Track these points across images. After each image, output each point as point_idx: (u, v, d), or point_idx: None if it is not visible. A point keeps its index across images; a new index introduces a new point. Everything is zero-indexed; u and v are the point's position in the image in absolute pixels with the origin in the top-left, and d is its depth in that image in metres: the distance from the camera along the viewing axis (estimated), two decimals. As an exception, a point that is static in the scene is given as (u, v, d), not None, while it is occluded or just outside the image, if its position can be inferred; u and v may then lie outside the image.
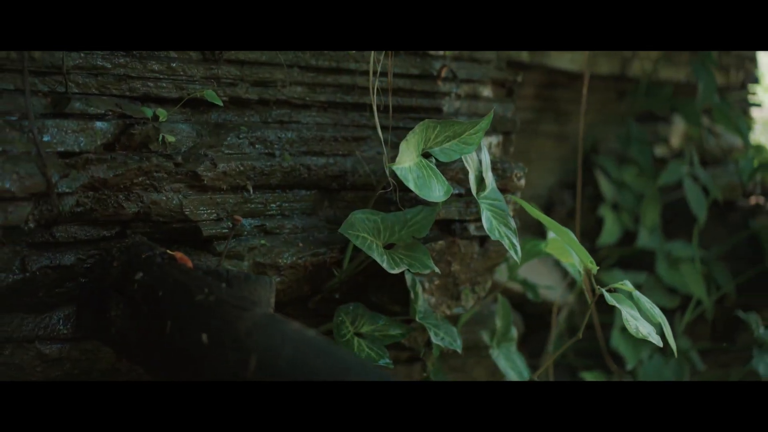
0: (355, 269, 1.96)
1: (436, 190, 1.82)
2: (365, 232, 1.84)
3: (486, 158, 1.97)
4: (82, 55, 1.69)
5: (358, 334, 1.92)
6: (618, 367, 3.08)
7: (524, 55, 2.96)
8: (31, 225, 1.59)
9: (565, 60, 3.13)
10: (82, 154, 1.64)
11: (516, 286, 2.81)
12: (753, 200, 3.48)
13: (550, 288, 2.80)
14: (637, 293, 1.89)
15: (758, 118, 4.08)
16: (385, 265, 1.83)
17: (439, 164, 1.90)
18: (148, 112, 1.73)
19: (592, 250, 3.17)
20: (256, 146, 1.90)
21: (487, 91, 2.31)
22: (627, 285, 1.89)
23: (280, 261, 1.89)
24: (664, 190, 3.40)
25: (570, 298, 3.13)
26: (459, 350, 2.02)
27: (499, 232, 1.89)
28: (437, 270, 1.92)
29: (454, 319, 2.26)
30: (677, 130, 3.69)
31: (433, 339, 1.98)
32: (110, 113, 1.69)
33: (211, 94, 1.79)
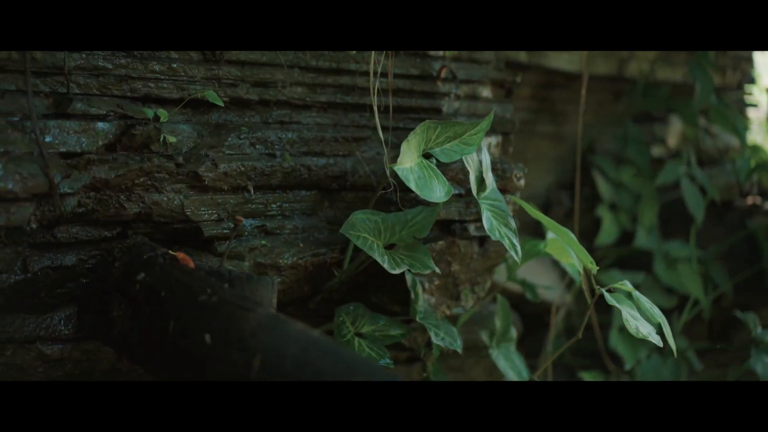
0: (356, 270, 1.97)
1: (437, 191, 1.83)
2: (366, 232, 1.84)
3: (486, 159, 1.97)
4: (83, 55, 1.69)
5: (359, 335, 1.92)
6: (616, 367, 3.08)
7: (522, 56, 2.96)
8: (33, 225, 1.59)
9: (562, 60, 3.13)
10: (83, 155, 1.64)
11: (514, 287, 2.81)
12: (750, 200, 3.49)
13: (548, 288, 2.81)
14: (636, 293, 1.89)
15: (754, 119, 4.09)
16: (386, 266, 1.83)
17: (439, 165, 1.90)
18: (149, 112, 1.73)
19: (590, 250, 3.17)
20: (257, 147, 1.90)
21: (486, 92, 2.31)
22: (627, 285, 1.90)
23: (280, 261, 1.89)
24: (661, 190, 3.41)
25: (568, 298, 3.13)
26: (459, 350, 2.02)
27: (500, 232, 1.90)
28: (438, 270, 1.93)
29: (453, 320, 2.26)
30: (674, 131, 3.70)
31: (434, 339, 1.98)
32: (112, 114, 1.69)
33: (212, 95, 1.79)
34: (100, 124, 1.67)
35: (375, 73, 1.95)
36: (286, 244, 1.92)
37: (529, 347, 3.04)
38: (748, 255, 3.32)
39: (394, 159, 1.86)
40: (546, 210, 3.40)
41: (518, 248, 1.91)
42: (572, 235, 1.91)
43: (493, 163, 2.12)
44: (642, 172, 3.38)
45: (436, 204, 1.91)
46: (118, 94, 1.73)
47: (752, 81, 3.93)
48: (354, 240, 1.83)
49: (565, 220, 3.23)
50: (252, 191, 1.88)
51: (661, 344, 1.85)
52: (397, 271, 1.85)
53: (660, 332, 1.89)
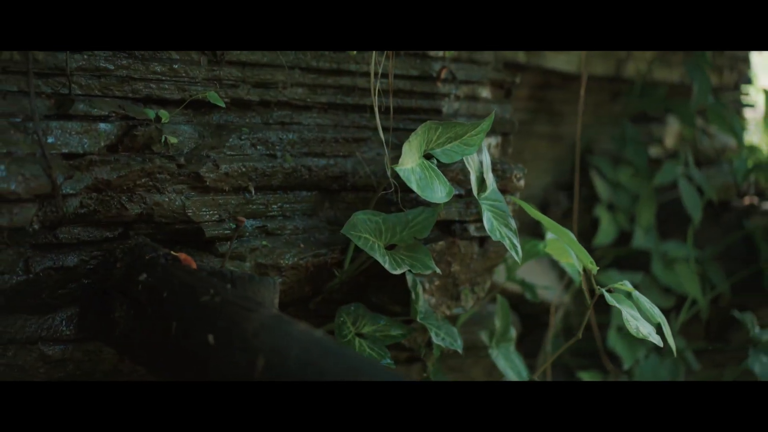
0: (356, 270, 1.97)
1: (439, 191, 1.83)
2: (367, 232, 1.85)
3: (487, 159, 1.98)
4: (84, 56, 1.69)
5: (360, 335, 1.93)
6: (615, 367, 3.09)
7: (520, 56, 2.97)
8: (36, 226, 1.59)
9: (560, 61, 3.14)
10: (85, 156, 1.64)
11: (513, 287, 2.82)
12: (747, 200, 3.50)
13: (547, 288, 2.81)
14: (636, 293, 1.90)
15: (751, 119, 4.10)
16: (387, 266, 1.84)
17: (440, 165, 1.91)
18: (151, 113, 1.74)
19: (588, 251, 3.17)
20: (258, 147, 1.91)
21: (485, 93, 2.32)
22: (627, 285, 1.91)
23: (281, 262, 1.90)
24: (659, 190, 3.42)
25: (566, 298, 3.14)
26: (460, 350, 2.03)
27: (500, 232, 1.90)
28: (438, 271, 1.93)
29: (452, 320, 2.27)
30: (671, 131, 3.71)
31: (434, 339, 1.98)
32: (113, 115, 1.69)
33: (213, 96, 1.79)
34: (102, 125, 1.67)
35: (376, 74, 1.96)
36: (287, 245, 1.93)
37: (528, 347, 3.04)
38: (745, 255, 3.33)
39: (395, 160, 1.87)
40: (543, 210, 3.41)
41: (519, 248, 1.92)
42: (572, 236, 1.92)
43: (493, 164, 2.13)
44: (640, 172, 3.39)
45: (437, 204, 1.91)
46: (120, 95, 1.73)
47: (749, 81, 3.94)
48: (355, 240, 1.84)
49: (563, 221, 3.24)
50: (253, 192, 1.88)
51: (661, 344, 1.86)
52: (398, 272, 1.85)
53: (660, 332, 1.89)
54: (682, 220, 3.32)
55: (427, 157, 1.88)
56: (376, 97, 1.94)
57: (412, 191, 1.90)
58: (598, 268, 1.92)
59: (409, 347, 2.17)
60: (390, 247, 1.91)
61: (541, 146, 3.43)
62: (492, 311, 2.56)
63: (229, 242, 1.82)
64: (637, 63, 3.40)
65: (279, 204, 1.94)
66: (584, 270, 1.91)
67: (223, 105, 1.82)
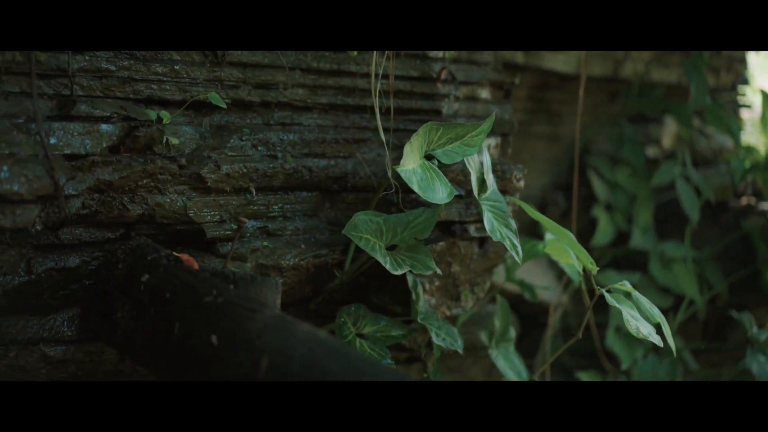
0: (357, 270, 1.97)
1: (440, 192, 1.84)
2: (368, 233, 1.85)
3: (487, 160, 1.99)
4: (86, 57, 1.69)
5: (360, 335, 1.93)
6: (613, 367, 3.10)
7: (519, 57, 2.97)
8: (38, 227, 1.59)
9: (558, 62, 3.14)
10: (88, 157, 1.64)
11: (511, 287, 2.82)
12: (744, 201, 3.51)
13: (546, 289, 2.82)
14: (636, 293, 1.91)
15: (747, 120, 4.11)
16: (388, 267, 1.84)
17: (440, 166, 1.91)
18: (152, 114, 1.74)
19: (586, 251, 3.18)
20: (259, 148, 1.91)
21: (485, 93, 2.32)
22: (626, 285, 1.91)
23: (282, 262, 1.90)
24: (656, 190, 3.42)
25: (564, 298, 3.14)
26: (460, 351, 2.03)
27: (501, 233, 1.91)
28: (439, 271, 1.94)
29: (452, 320, 2.27)
30: (668, 131, 3.71)
31: (435, 340, 1.99)
32: (115, 116, 1.69)
33: (215, 97, 1.80)
34: (104, 126, 1.67)
35: (376, 75, 1.96)
36: (288, 246, 1.93)
37: (526, 347, 3.05)
38: (742, 255, 3.34)
39: (395, 160, 1.87)
40: (541, 211, 3.40)
41: (519, 249, 1.92)
42: (572, 236, 1.92)
43: (493, 165, 2.13)
44: (637, 172, 3.39)
45: (438, 205, 1.92)
46: (121, 96, 1.74)
47: (745, 82, 3.95)
48: (356, 241, 1.84)
49: (561, 221, 3.23)
50: (254, 193, 1.88)
51: (661, 344, 1.86)
52: (399, 272, 1.85)
53: (659, 332, 1.90)
54: (679, 221, 3.33)
55: (428, 157, 1.88)
56: (377, 97, 1.95)
57: (412, 192, 1.91)
58: (598, 268, 1.93)
59: (409, 347, 2.18)
60: (391, 248, 1.91)
61: (539, 147, 3.44)
62: (491, 312, 2.57)
63: (230, 243, 1.83)
64: (635, 64, 3.41)
65: (280, 205, 1.94)
66: (584, 270, 1.92)
67: (225, 106, 1.82)
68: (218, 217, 1.84)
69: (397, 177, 1.87)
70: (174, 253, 1.65)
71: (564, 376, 3.14)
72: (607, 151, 3.52)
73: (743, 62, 3.89)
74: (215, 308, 1.45)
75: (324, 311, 2.02)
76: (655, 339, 1.85)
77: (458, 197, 2.08)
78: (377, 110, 1.93)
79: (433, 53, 2.17)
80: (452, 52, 2.20)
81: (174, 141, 1.76)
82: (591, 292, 1.93)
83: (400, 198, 1.94)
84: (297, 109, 2.00)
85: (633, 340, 3.03)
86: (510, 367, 2.28)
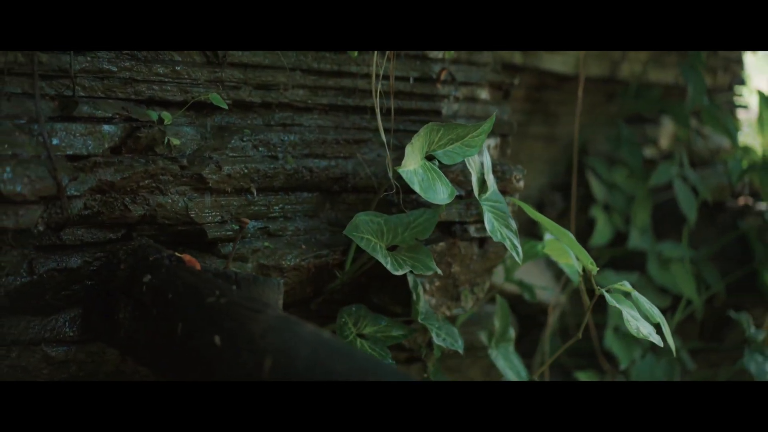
0: (357, 271, 1.98)
1: (441, 193, 1.84)
2: (369, 234, 1.85)
3: (487, 160, 1.99)
4: (88, 58, 1.69)
5: (361, 335, 1.93)
6: (611, 367, 3.10)
7: (517, 58, 2.98)
8: (41, 228, 1.60)
9: (556, 62, 3.15)
10: (90, 157, 1.65)
11: (510, 288, 2.83)
12: (741, 201, 3.51)
13: (545, 289, 2.82)
14: (636, 293, 1.91)
15: (744, 120, 4.12)
16: (389, 267, 1.85)
17: (440, 167, 1.92)
18: (154, 115, 1.74)
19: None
20: (260, 149, 1.91)
21: (484, 94, 2.33)
22: (626, 285, 1.92)
23: (283, 263, 1.90)
24: (654, 191, 3.43)
25: (562, 298, 3.15)
26: (461, 351, 2.04)
27: (501, 233, 1.91)
28: (439, 271, 1.94)
29: (451, 321, 2.28)
30: (666, 132, 3.72)
31: (435, 340, 1.99)
32: (117, 116, 1.70)
33: (216, 98, 1.80)
34: (106, 127, 1.67)
35: (377, 76, 1.96)
36: (289, 246, 1.93)
37: (525, 347, 3.05)
38: (739, 255, 3.35)
39: (396, 161, 1.87)
40: (539, 211, 3.40)
41: (519, 249, 1.93)
42: (572, 237, 1.93)
43: (493, 165, 2.14)
44: (635, 173, 3.40)
45: (438, 206, 1.92)
46: (123, 96, 1.74)
47: (742, 82, 3.96)
48: (357, 241, 1.84)
49: (559, 221, 3.24)
50: (255, 193, 1.89)
51: (661, 344, 1.87)
52: (400, 273, 1.86)
53: (659, 332, 1.90)
54: (677, 221, 3.34)
55: (429, 158, 1.89)
56: (378, 98, 1.95)
57: (412, 192, 1.91)
58: (598, 269, 1.93)
59: (409, 348, 2.18)
60: (392, 248, 1.91)
61: (537, 147, 3.44)
62: (490, 312, 2.57)
63: (232, 243, 1.83)
64: (632, 64, 3.42)
65: (280, 205, 1.94)
66: (585, 271, 1.92)
67: (226, 107, 1.83)
68: (219, 217, 1.84)
69: (398, 177, 1.87)
70: (176, 253, 1.66)
71: (562, 376, 3.15)
72: (605, 152, 3.52)
73: (740, 63, 3.90)
74: (218, 309, 1.45)
75: (325, 311, 2.02)
76: (656, 339, 1.86)
77: (458, 198, 2.09)
78: (378, 111, 1.93)
79: (432, 54, 2.18)
80: (452, 53, 2.21)
81: (175, 142, 1.77)
82: (591, 292, 1.94)
83: (401, 198, 1.95)
84: (298, 109, 2.00)
85: (631, 341, 3.04)
86: (510, 367, 2.28)
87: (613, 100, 3.56)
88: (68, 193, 1.60)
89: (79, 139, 1.63)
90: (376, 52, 1.97)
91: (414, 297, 2.00)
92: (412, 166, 1.83)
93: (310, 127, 2.01)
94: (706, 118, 3.35)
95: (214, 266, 1.76)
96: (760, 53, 4.34)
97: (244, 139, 1.89)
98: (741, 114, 4.07)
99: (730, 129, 3.34)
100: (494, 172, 2.12)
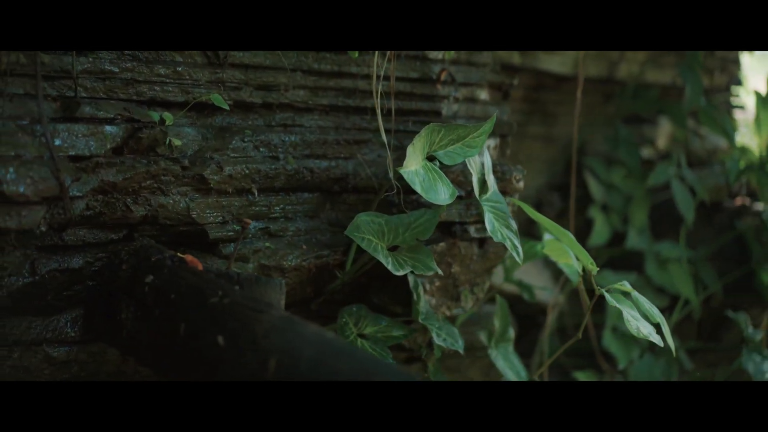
0: (358, 271, 1.98)
1: (442, 193, 1.85)
2: (370, 234, 1.86)
3: (488, 161, 2.00)
4: (90, 59, 1.69)
5: (362, 336, 1.94)
6: (610, 367, 3.11)
7: (515, 58, 2.98)
8: (43, 228, 1.60)
9: (554, 62, 3.16)
10: (92, 158, 1.65)
11: (510, 288, 2.83)
12: (739, 201, 3.52)
13: (543, 289, 2.83)
14: (635, 293, 1.92)
15: (741, 120, 4.13)
16: (390, 267, 1.85)
17: (441, 167, 1.92)
18: (155, 116, 1.74)
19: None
20: (261, 150, 1.92)
21: (483, 95, 2.33)
22: (626, 286, 1.92)
23: (284, 263, 1.91)
24: (651, 191, 3.44)
25: (561, 298, 3.16)
26: (461, 351, 2.04)
27: (502, 234, 1.92)
28: (440, 272, 1.95)
29: (451, 321, 2.28)
30: (663, 132, 3.73)
31: (436, 340, 2.00)
32: (119, 117, 1.70)
33: (217, 99, 1.80)
34: (108, 128, 1.68)
35: (377, 76, 1.97)
36: (290, 246, 1.94)
37: (523, 347, 3.06)
38: (737, 255, 3.36)
39: (396, 161, 1.88)
40: (537, 211, 3.41)
41: (520, 250, 1.93)
42: (572, 237, 1.94)
43: (493, 165, 2.14)
44: (633, 173, 3.41)
45: (439, 206, 1.93)
46: (125, 97, 1.74)
47: (739, 83, 3.97)
48: (359, 242, 1.85)
49: (557, 222, 3.24)
50: (256, 194, 1.89)
51: (662, 344, 1.87)
52: (401, 273, 1.86)
53: (659, 332, 1.91)
54: (674, 221, 3.35)
55: (430, 159, 1.89)
56: (378, 99, 1.96)
57: (413, 192, 1.92)
58: (597, 269, 1.94)
59: (409, 348, 2.18)
60: (392, 249, 1.92)
61: (535, 147, 3.45)
62: (489, 312, 2.58)
63: (233, 244, 1.83)
64: (630, 65, 3.43)
65: (281, 206, 1.95)
66: (585, 271, 1.93)
67: (227, 107, 1.83)
68: (221, 218, 1.84)
69: (399, 178, 1.87)
70: (178, 254, 1.66)
71: (561, 375, 3.16)
72: (603, 152, 3.53)
73: (737, 63, 3.91)
74: (221, 309, 1.45)
75: (325, 312, 2.02)
76: (656, 339, 1.86)
77: (458, 198, 2.09)
78: (378, 111, 1.94)
79: (432, 55, 2.18)
80: (451, 53, 2.21)
81: (177, 142, 1.77)
82: (590, 292, 1.94)
83: (402, 199, 1.95)
84: (298, 110, 2.00)
85: (630, 340, 3.04)
86: (509, 367, 2.29)
87: (611, 100, 3.57)
88: (71, 193, 1.60)
89: (81, 140, 1.63)
90: (376, 53, 1.98)
91: (414, 297, 2.00)
92: (413, 167, 1.83)
93: (310, 128, 2.01)
94: (703, 119, 3.36)
95: (216, 267, 1.76)
96: (757, 54, 4.34)
97: (245, 139, 1.89)
98: (738, 114, 4.08)
99: (728, 129, 3.35)
100: (494, 172, 2.12)
